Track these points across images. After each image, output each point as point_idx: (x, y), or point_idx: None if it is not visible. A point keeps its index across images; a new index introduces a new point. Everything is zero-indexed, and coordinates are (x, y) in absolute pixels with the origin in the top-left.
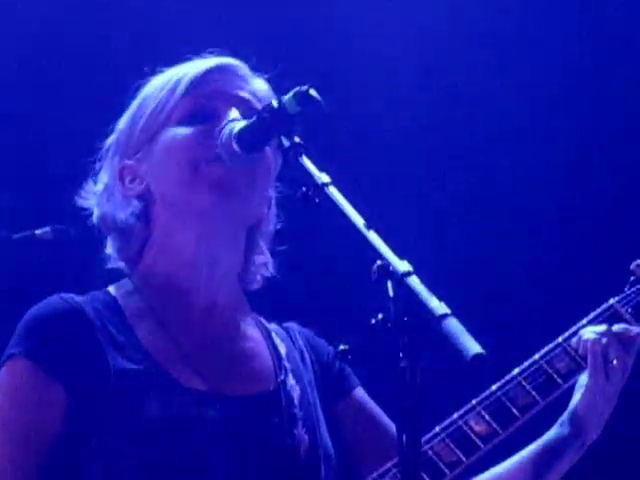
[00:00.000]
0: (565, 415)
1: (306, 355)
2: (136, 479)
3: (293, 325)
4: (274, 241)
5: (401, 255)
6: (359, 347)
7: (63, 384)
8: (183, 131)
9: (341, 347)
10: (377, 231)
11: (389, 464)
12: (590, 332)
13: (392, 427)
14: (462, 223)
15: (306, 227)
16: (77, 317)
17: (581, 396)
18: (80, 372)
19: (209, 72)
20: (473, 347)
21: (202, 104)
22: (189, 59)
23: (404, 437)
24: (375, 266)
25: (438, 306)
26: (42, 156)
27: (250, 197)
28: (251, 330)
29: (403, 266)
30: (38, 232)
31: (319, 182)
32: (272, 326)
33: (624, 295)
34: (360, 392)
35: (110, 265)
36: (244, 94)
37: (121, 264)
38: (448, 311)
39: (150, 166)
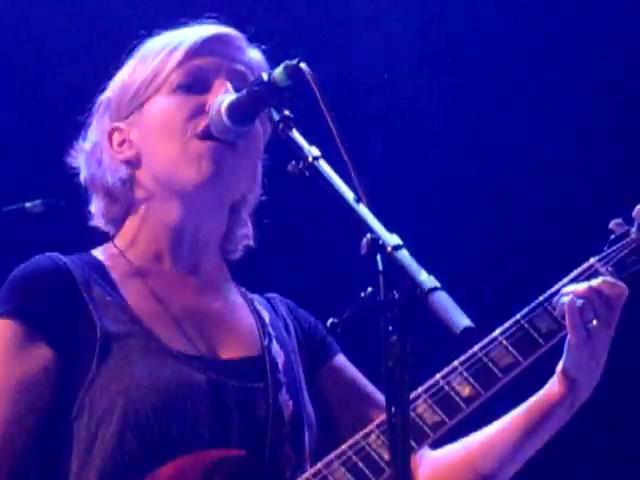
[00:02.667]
0: (555, 374)
1: (289, 323)
2: (121, 440)
3: (275, 295)
4: (261, 214)
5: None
6: (348, 320)
7: (50, 343)
8: (175, 101)
9: (330, 321)
10: (367, 205)
11: (372, 425)
12: (568, 292)
13: (374, 392)
14: (448, 196)
15: (296, 200)
16: (64, 276)
17: (566, 355)
18: (67, 331)
19: (206, 42)
20: (462, 320)
21: (196, 74)
22: (187, 24)
23: (392, 411)
24: (365, 240)
25: (427, 279)
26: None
27: (238, 170)
28: (235, 297)
29: (393, 240)
30: (28, 205)
31: (309, 155)
32: (254, 296)
33: (604, 254)
34: (341, 358)
35: (93, 223)
36: (239, 66)
37: (102, 224)
38: (437, 284)
39: (141, 133)
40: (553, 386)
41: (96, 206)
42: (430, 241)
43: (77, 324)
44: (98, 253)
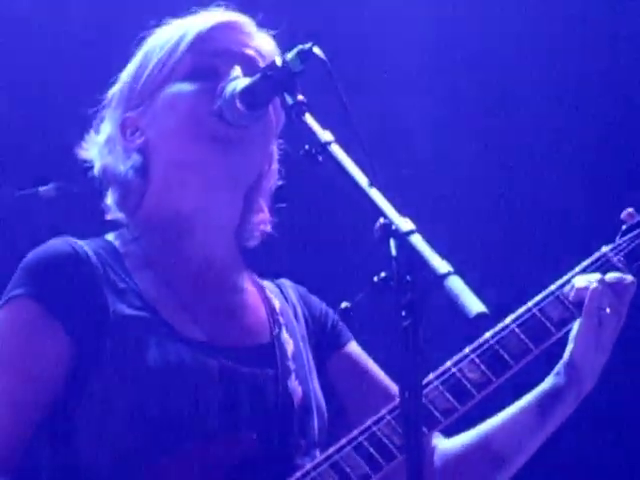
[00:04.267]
0: (560, 365)
1: (299, 310)
2: (132, 426)
3: (286, 282)
4: (276, 198)
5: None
6: (361, 305)
7: (65, 325)
8: (186, 87)
9: (343, 305)
10: (380, 189)
11: (384, 411)
12: (584, 280)
13: (385, 380)
14: (460, 183)
15: (309, 185)
16: (80, 260)
17: (575, 344)
18: (81, 315)
19: (214, 28)
20: (476, 306)
21: (206, 61)
22: (195, 12)
23: (406, 396)
24: (377, 224)
25: (440, 265)
26: (45, 110)
27: (251, 154)
28: (246, 284)
29: (406, 224)
30: (42, 189)
31: (322, 140)
32: (265, 283)
33: (616, 244)
34: (353, 346)
35: (109, 216)
36: (249, 51)
37: (120, 215)
38: (451, 269)
39: (152, 119)
40: (558, 377)
41: (111, 198)
42: (443, 228)
43: (91, 308)
44: (112, 238)
